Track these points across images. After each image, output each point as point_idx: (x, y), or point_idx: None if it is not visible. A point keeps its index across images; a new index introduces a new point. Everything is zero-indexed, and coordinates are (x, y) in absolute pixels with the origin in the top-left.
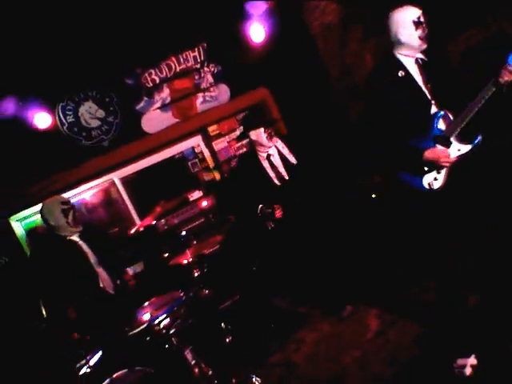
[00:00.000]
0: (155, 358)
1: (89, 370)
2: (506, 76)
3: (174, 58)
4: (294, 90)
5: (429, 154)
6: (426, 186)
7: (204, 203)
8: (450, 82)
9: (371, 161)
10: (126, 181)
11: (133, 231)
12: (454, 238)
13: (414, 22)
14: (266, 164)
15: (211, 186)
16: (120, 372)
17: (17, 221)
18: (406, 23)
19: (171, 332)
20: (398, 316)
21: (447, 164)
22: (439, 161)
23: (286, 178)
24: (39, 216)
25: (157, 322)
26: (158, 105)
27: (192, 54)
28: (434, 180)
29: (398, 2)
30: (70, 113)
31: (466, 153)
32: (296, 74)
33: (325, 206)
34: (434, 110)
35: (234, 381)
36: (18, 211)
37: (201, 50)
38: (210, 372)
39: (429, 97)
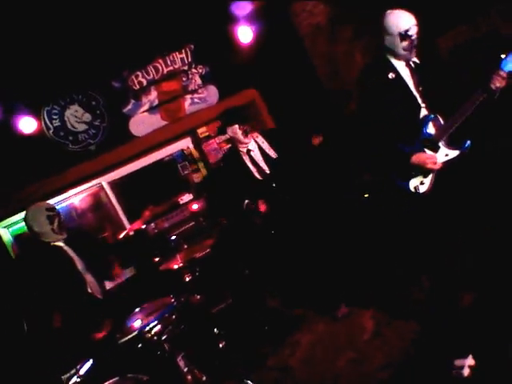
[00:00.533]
0: (147, 365)
1: (79, 379)
2: (498, 82)
3: (161, 60)
4: (283, 90)
5: (416, 158)
6: (412, 190)
7: (194, 206)
8: (442, 85)
9: (362, 160)
10: (114, 185)
11: (121, 236)
12: (442, 240)
13: (400, 34)
14: (246, 159)
15: (201, 188)
16: (111, 380)
17: (4, 227)
18: (392, 32)
19: (163, 339)
20: (394, 316)
21: (434, 169)
22: (426, 165)
23: (267, 172)
24: None
25: (148, 328)
26: (146, 107)
27: (179, 56)
28: (420, 184)
29: (387, 1)
30: (56, 117)
31: (454, 158)
32: (285, 74)
33: (313, 203)
34: (424, 113)
35: None
36: (5, 217)
37: (188, 51)
38: (204, 378)
39: (419, 100)
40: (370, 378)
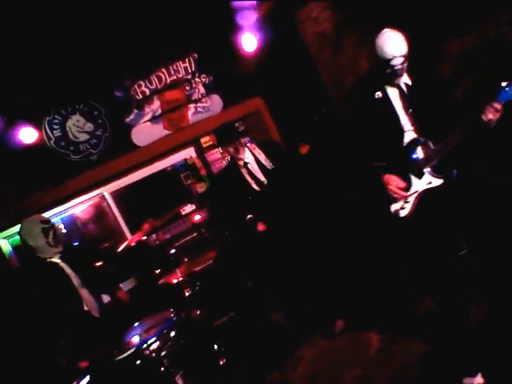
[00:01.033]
0: (146, 382)
1: None
2: (491, 114)
3: (164, 69)
4: (288, 99)
5: (385, 177)
6: (392, 212)
7: (197, 217)
8: (434, 109)
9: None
10: (116, 195)
11: (121, 248)
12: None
13: (385, 60)
14: (244, 172)
15: (203, 198)
16: None
17: (4, 238)
18: (377, 55)
19: (162, 355)
20: (399, 332)
21: (394, 194)
22: (387, 187)
23: (265, 182)
24: None
25: (146, 345)
26: (149, 117)
27: (183, 65)
28: (401, 208)
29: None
30: (57, 127)
31: (438, 186)
32: (290, 82)
33: (309, 213)
34: (411, 136)
35: None
36: (6, 228)
37: (191, 60)
38: None
39: (405, 123)
40: None
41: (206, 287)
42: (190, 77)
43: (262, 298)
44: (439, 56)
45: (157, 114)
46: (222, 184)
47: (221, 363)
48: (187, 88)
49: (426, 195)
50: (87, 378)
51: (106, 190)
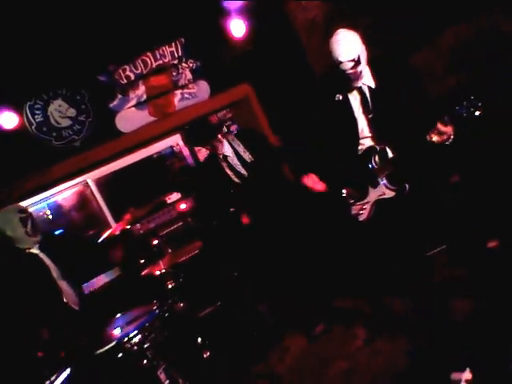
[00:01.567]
0: (127, 375)
1: None
2: (435, 135)
3: (149, 54)
4: (277, 86)
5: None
6: (353, 215)
7: (182, 206)
8: (397, 114)
9: None
10: (100, 182)
11: (103, 237)
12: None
13: (338, 62)
14: (224, 164)
15: (189, 187)
16: None
17: None
18: (331, 56)
19: (145, 347)
20: (387, 327)
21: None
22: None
23: (245, 175)
24: None
25: (128, 338)
26: (133, 102)
27: (169, 49)
28: (359, 213)
29: None
30: (39, 112)
31: (390, 197)
32: (279, 69)
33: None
34: (368, 143)
35: None
36: None
37: (178, 44)
38: None
39: (364, 129)
40: None
41: (190, 278)
42: (176, 62)
43: (247, 289)
44: (432, 47)
45: (142, 99)
46: (202, 176)
47: (205, 356)
48: (174, 73)
49: (379, 203)
50: (67, 371)
51: (90, 178)
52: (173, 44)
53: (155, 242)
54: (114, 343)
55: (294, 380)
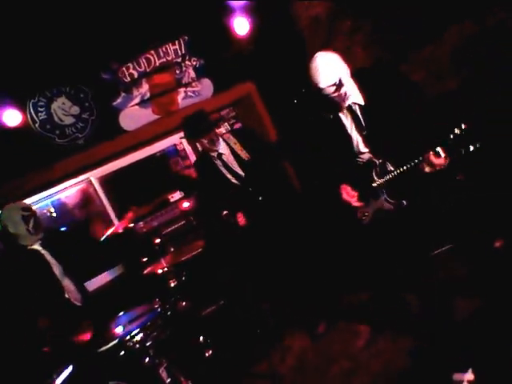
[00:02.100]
0: (129, 373)
1: None
2: (427, 166)
3: (153, 52)
4: (280, 84)
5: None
6: (358, 217)
7: (185, 204)
8: (390, 129)
9: None
10: (103, 180)
11: (105, 235)
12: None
13: (319, 88)
14: (218, 164)
15: (188, 185)
16: None
17: None
18: (311, 82)
19: (146, 345)
20: (390, 327)
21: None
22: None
23: (242, 175)
24: None
25: (130, 336)
26: (137, 101)
27: (172, 47)
28: (363, 217)
29: None
30: (42, 109)
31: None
32: (283, 68)
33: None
34: (368, 157)
35: None
36: None
37: (182, 42)
38: None
39: (360, 145)
40: None
41: (192, 277)
42: (180, 60)
43: (247, 289)
44: (434, 45)
45: (145, 97)
46: (196, 178)
47: (207, 355)
48: (177, 71)
49: (380, 211)
50: (70, 369)
51: (93, 175)
52: (176, 42)
53: (158, 240)
54: (116, 341)
55: (295, 379)
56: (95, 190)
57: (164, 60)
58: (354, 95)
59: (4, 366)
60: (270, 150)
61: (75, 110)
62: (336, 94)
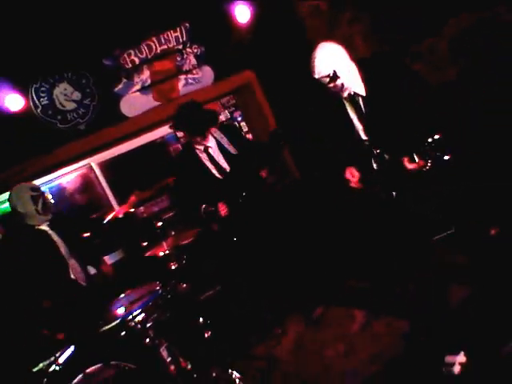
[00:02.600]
0: (131, 353)
1: (58, 367)
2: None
3: (154, 38)
4: (280, 72)
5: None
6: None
7: None
8: (390, 121)
9: None
10: (104, 166)
11: (107, 220)
12: None
13: (314, 78)
14: (204, 157)
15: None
16: (94, 367)
17: None
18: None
19: (147, 326)
20: (384, 310)
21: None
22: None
23: (227, 169)
24: None
25: (131, 316)
26: (138, 87)
27: (174, 34)
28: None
29: None
30: (44, 95)
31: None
32: (283, 56)
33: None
34: (366, 146)
35: (213, 375)
36: None
37: (183, 30)
38: (189, 366)
39: (359, 133)
40: (359, 372)
41: (193, 261)
42: (181, 47)
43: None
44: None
45: (146, 84)
46: (178, 172)
47: (206, 336)
48: (178, 58)
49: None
50: (71, 349)
51: (94, 161)
52: (178, 29)
53: (159, 224)
54: (117, 321)
55: (291, 361)
56: (96, 175)
57: (165, 47)
58: (354, 86)
59: (7, 346)
60: (259, 148)
61: (77, 95)
62: (331, 85)
